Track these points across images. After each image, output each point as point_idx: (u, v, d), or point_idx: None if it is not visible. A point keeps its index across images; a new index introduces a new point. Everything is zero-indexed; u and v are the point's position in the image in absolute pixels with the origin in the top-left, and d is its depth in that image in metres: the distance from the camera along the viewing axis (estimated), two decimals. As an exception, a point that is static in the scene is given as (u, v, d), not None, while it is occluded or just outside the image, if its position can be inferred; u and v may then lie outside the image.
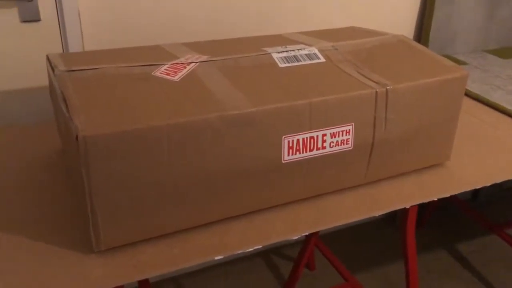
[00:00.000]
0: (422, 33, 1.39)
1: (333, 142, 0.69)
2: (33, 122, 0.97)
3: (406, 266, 0.92)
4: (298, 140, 0.66)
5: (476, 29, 1.45)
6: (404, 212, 0.87)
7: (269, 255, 1.54)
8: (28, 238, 0.63)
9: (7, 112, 0.97)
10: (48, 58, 0.73)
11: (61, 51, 0.96)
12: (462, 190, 0.79)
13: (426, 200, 0.76)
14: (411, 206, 0.76)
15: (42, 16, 0.91)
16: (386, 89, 0.70)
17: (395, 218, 1.69)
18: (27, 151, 0.84)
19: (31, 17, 0.91)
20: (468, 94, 1.15)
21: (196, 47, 0.79)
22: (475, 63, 1.36)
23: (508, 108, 1.07)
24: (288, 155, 0.66)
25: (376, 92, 0.70)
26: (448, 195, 0.77)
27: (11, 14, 0.90)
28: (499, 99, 1.12)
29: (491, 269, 1.51)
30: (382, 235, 1.62)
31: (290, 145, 0.66)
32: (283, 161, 0.66)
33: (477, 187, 0.80)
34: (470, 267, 1.52)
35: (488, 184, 0.80)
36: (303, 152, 0.67)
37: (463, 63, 1.36)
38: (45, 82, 0.97)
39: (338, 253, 1.54)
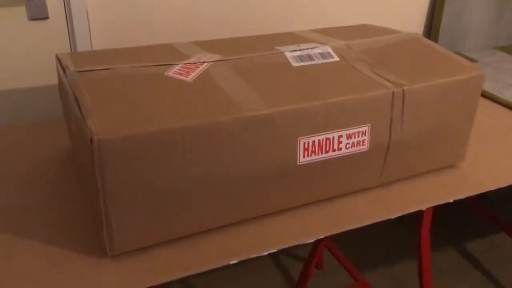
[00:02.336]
0: (431, 30, 1.37)
1: (349, 143, 0.68)
2: (42, 121, 0.95)
3: (420, 267, 0.91)
4: (313, 142, 0.65)
5: (486, 26, 1.43)
6: (419, 214, 0.86)
7: (278, 256, 1.53)
8: (40, 242, 0.62)
9: (16, 111, 0.96)
10: (58, 58, 0.72)
11: (69, 49, 0.95)
12: (478, 192, 0.78)
13: (441, 202, 0.74)
14: (427, 208, 0.75)
15: (50, 14, 0.90)
16: (403, 89, 0.69)
17: (403, 216, 1.67)
18: (37, 151, 0.83)
19: (39, 15, 0.89)
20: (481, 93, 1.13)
21: (207, 46, 0.78)
22: (485, 60, 1.35)
23: (522, 106, 1.05)
24: (304, 157, 0.65)
25: (393, 92, 0.68)
26: (463, 197, 0.76)
27: (19, 12, 0.89)
28: (511, 97, 1.10)
29: (502, 268, 1.50)
30: (390, 233, 1.60)
31: (306, 146, 0.65)
32: (298, 163, 0.65)
33: (493, 189, 0.78)
34: (480, 266, 1.50)
35: (504, 186, 0.79)
36: (318, 154, 0.66)
37: (474, 60, 1.34)
38: (54, 81, 0.96)
39: (346, 251, 1.53)
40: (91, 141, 0.52)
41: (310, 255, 1.25)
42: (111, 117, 0.55)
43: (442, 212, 1.72)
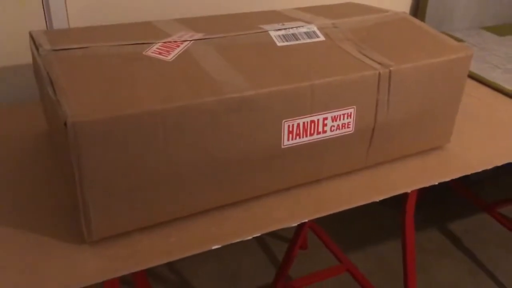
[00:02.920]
0: (418, 9, 1.35)
1: (334, 126, 0.66)
2: (16, 102, 0.92)
3: (404, 249, 0.91)
4: (298, 124, 0.63)
5: (473, 6, 1.42)
6: (403, 195, 0.86)
7: (262, 236, 1.53)
8: (15, 229, 0.60)
9: (-11, 92, 0.93)
10: (31, 36, 0.68)
11: (45, 27, 0.91)
12: (463, 174, 0.77)
13: (427, 185, 0.74)
14: (411, 190, 0.74)
15: (24, -10, 0.86)
16: (390, 70, 0.67)
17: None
18: (11, 134, 0.80)
19: (12, -10, 0.85)
20: (466, 73, 1.13)
21: (189, 23, 0.75)
22: (472, 40, 1.34)
23: (507, 87, 1.05)
24: (288, 140, 0.64)
25: (379, 73, 0.67)
26: (449, 179, 0.75)
27: (-10, -13, 0.84)
28: (497, 78, 1.10)
29: (484, 248, 1.52)
30: (374, 213, 1.61)
31: (290, 129, 0.63)
32: (282, 146, 0.64)
33: (478, 171, 0.78)
34: (463, 246, 1.53)
35: (489, 168, 0.79)
36: (303, 137, 0.64)
37: (460, 40, 1.33)
38: (28, 60, 0.92)
39: (330, 231, 1.53)
40: (65, 124, 0.49)
41: (294, 236, 1.25)
42: (87, 99, 0.52)
43: (425, 192, 1.73)
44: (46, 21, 0.90)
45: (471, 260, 1.47)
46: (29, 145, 0.77)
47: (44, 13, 0.90)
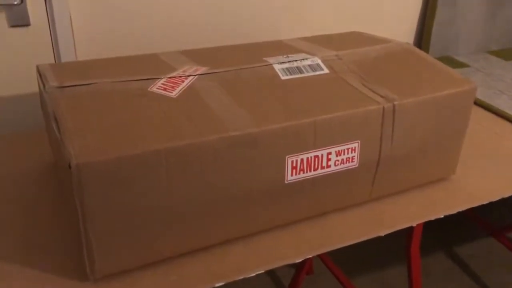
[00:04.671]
0: (423, 34, 1.35)
1: (338, 161, 0.66)
2: (23, 131, 0.93)
3: (410, 280, 0.90)
4: (302, 160, 0.63)
5: (478, 30, 1.42)
6: (408, 228, 0.85)
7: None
8: (18, 263, 0.60)
9: (-4, 120, 0.93)
10: (38, 70, 0.69)
11: (53, 57, 0.92)
12: (469, 206, 0.76)
13: (432, 218, 0.73)
14: (417, 224, 0.74)
15: (32, 21, 0.87)
16: (394, 104, 0.67)
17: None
18: (16, 164, 0.80)
19: (20, 21, 0.87)
20: (472, 100, 1.13)
21: (194, 56, 0.76)
22: (477, 65, 1.34)
23: (513, 115, 1.04)
24: (292, 175, 0.63)
25: (383, 107, 0.67)
26: (455, 212, 0.75)
27: (-1, 19, 0.86)
28: (503, 105, 1.09)
29: (491, 273, 1.50)
30: (379, 237, 1.60)
31: (294, 165, 0.63)
32: (286, 182, 0.63)
33: (485, 203, 0.77)
34: (469, 271, 1.50)
35: (496, 199, 0.78)
36: (307, 172, 0.64)
37: (466, 65, 1.33)
38: (36, 89, 0.93)
39: (336, 256, 1.52)
40: (69, 165, 0.49)
41: (301, 263, 1.24)
42: (91, 139, 0.53)
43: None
44: (53, 50, 0.91)
45: (478, 286, 1.45)
46: (34, 176, 0.77)
47: (52, 42, 0.91)
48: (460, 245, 1.61)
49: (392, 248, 1.57)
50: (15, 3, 0.84)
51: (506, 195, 0.79)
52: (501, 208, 1.80)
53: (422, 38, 1.36)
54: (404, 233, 0.92)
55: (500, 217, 1.74)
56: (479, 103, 1.11)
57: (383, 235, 0.69)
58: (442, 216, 0.74)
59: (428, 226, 1.63)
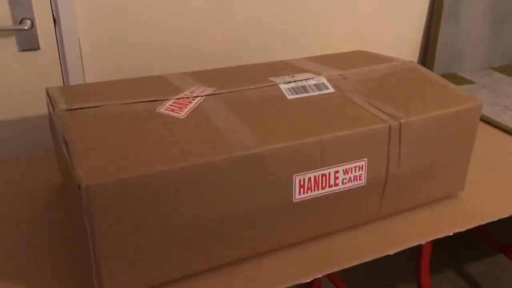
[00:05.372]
0: (427, 51, 1.36)
1: (345, 179, 0.66)
2: (33, 152, 0.94)
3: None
4: (309, 178, 0.63)
5: (482, 47, 1.43)
6: (418, 246, 0.84)
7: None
8: (25, 286, 0.60)
9: (6, 143, 0.94)
10: (47, 93, 0.70)
11: (61, 79, 0.94)
12: (478, 224, 0.76)
13: (440, 236, 0.73)
14: (426, 242, 0.73)
15: (41, 45, 0.89)
16: (400, 123, 0.68)
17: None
18: (24, 184, 0.81)
19: (30, 45, 0.88)
20: (478, 116, 1.13)
21: (200, 77, 0.77)
22: (482, 81, 1.34)
23: (520, 131, 1.04)
24: (299, 194, 0.64)
25: (390, 126, 0.67)
26: (463, 230, 0.74)
27: (10, 43, 0.87)
28: (509, 121, 1.09)
29: (501, 291, 1.48)
30: (389, 255, 1.58)
31: (301, 183, 0.63)
32: (294, 201, 0.63)
33: (494, 220, 0.77)
34: (479, 289, 1.48)
35: (505, 216, 0.78)
36: (314, 190, 0.64)
37: (470, 82, 1.33)
38: (45, 111, 0.95)
39: (343, 273, 1.50)
40: (79, 187, 0.50)
41: (309, 282, 1.22)
42: (100, 161, 0.53)
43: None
44: (62, 73, 0.93)
45: (489, 304, 1.43)
46: (42, 196, 0.78)
47: (61, 65, 0.92)
48: (470, 263, 1.59)
49: (401, 265, 1.55)
50: (26, 28, 0.85)
51: (516, 212, 0.79)
52: (508, 224, 1.78)
53: (427, 55, 1.37)
54: (413, 250, 0.92)
55: (507, 233, 1.72)
56: (485, 120, 1.11)
57: (392, 253, 0.69)
58: (451, 234, 0.73)
59: (438, 244, 1.62)
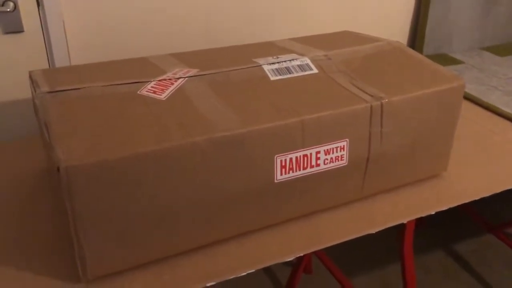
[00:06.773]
0: (417, 32, 1.36)
1: (327, 159, 0.67)
2: (19, 137, 0.94)
3: (403, 276, 0.91)
4: (291, 159, 0.64)
5: (472, 27, 1.42)
6: (401, 225, 0.86)
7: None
8: (10, 266, 0.61)
9: (-8, 126, 0.95)
10: (30, 76, 0.70)
11: (47, 62, 0.93)
12: (460, 203, 0.77)
13: (423, 215, 0.74)
14: (409, 220, 0.74)
15: (25, 27, 0.88)
16: (381, 103, 0.68)
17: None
18: (10, 169, 0.81)
19: (13, 28, 0.88)
20: (465, 96, 1.13)
21: (184, 58, 0.77)
22: (471, 61, 1.34)
23: (506, 111, 1.05)
24: (281, 174, 0.64)
25: (371, 106, 0.67)
26: (446, 208, 0.75)
27: (-7, 26, 0.87)
28: (496, 101, 1.10)
29: (490, 270, 1.50)
30: (377, 235, 1.60)
31: (283, 164, 0.64)
32: (275, 181, 0.64)
33: (476, 199, 0.78)
34: (469, 268, 1.51)
35: (488, 195, 0.79)
36: (296, 171, 0.65)
37: (460, 62, 1.33)
38: (30, 95, 0.94)
39: (334, 254, 1.52)
40: (58, 169, 0.50)
41: (298, 259, 1.24)
42: (80, 143, 0.53)
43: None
44: (47, 55, 0.92)
45: (477, 282, 1.45)
46: (28, 180, 0.78)
47: (46, 47, 0.92)
48: (459, 242, 1.62)
49: (391, 246, 1.57)
50: (8, 10, 0.85)
51: (498, 190, 0.80)
52: (499, 203, 1.80)
53: (416, 36, 1.37)
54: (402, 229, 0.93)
55: (499, 213, 1.74)
56: (472, 99, 1.11)
57: (374, 232, 0.70)
58: (433, 213, 0.74)
59: (428, 223, 1.64)
